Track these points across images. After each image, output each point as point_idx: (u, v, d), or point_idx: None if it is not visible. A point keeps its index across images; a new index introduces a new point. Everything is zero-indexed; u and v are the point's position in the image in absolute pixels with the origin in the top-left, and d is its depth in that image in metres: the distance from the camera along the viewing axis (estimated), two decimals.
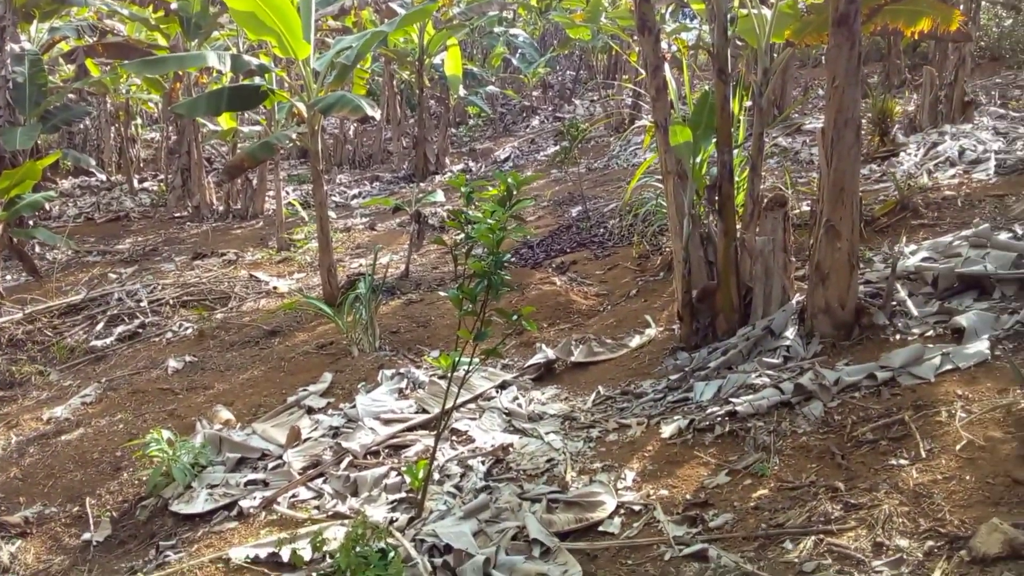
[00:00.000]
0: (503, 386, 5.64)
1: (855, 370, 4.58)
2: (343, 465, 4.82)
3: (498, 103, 20.66)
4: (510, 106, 21.49)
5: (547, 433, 4.83)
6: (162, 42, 14.64)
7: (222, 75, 16.37)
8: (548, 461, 4.49)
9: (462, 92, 15.98)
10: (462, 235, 3.96)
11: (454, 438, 5.01)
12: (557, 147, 15.80)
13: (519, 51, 20.37)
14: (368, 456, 4.93)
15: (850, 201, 5.07)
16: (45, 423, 6.30)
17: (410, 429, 5.22)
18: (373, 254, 8.09)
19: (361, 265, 9.88)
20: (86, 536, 4.73)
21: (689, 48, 14.04)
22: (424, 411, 5.43)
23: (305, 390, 6.13)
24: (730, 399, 4.56)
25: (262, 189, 13.96)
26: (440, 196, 9.14)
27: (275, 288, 9.22)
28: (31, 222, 12.14)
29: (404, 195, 13.60)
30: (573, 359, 5.98)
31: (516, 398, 5.41)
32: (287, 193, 13.97)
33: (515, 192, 3.93)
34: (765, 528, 3.49)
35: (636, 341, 6.15)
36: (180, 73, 14.49)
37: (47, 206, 13.79)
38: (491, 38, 20.34)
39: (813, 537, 3.34)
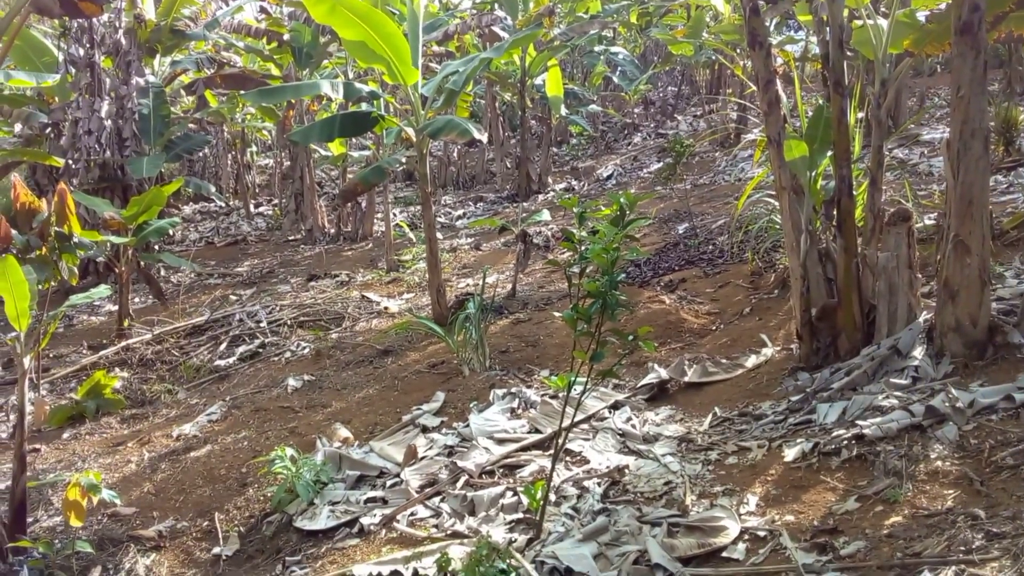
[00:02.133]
0: (616, 406, 5.60)
1: (991, 391, 4.36)
2: (459, 484, 4.87)
3: (599, 121, 20.64)
4: (611, 124, 21.45)
5: (663, 455, 4.77)
6: (275, 72, 15.31)
7: (331, 103, 16.99)
8: (666, 484, 4.42)
9: (564, 112, 16.06)
10: (569, 254, 3.97)
11: (568, 459, 4.99)
12: (660, 164, 15.67)
13: (619, 69, 20.33)
14: (483, 475, 4.97)
15: (980, 215, 4.85)
16: (175, 440, 6.60)
17: (524, 449, 5.24)
18: (481, 274, 8.18)
19: (468, 285, 10.02)
20: (216, 550, 4.92)
21: (796, 61, 13.71)
22: (537, 431, 5.44)
23: (419, 409, 6.24)
24: (856, 422, 4.40)
25: (371, 212, 14.35)
26: (546, 215, 9.19)
27: (386, 308, 9.44)
28: (157, 247, 12.85)
29: (508, 215, 13.74)
30: (687, 379, 5.89)
31: (630, 419, 5.36)
32: (395, 215, 14.31)
33: (628, 211, 3.92)
34: (901, 557, 3.33)
35: (752, 361, 6.01)
36: (293, 101, 15.09)
37: (171, 231, 14.54)
38: (591, 57, 20.37)
39: (953, 567, 3.17)
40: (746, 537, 3.73)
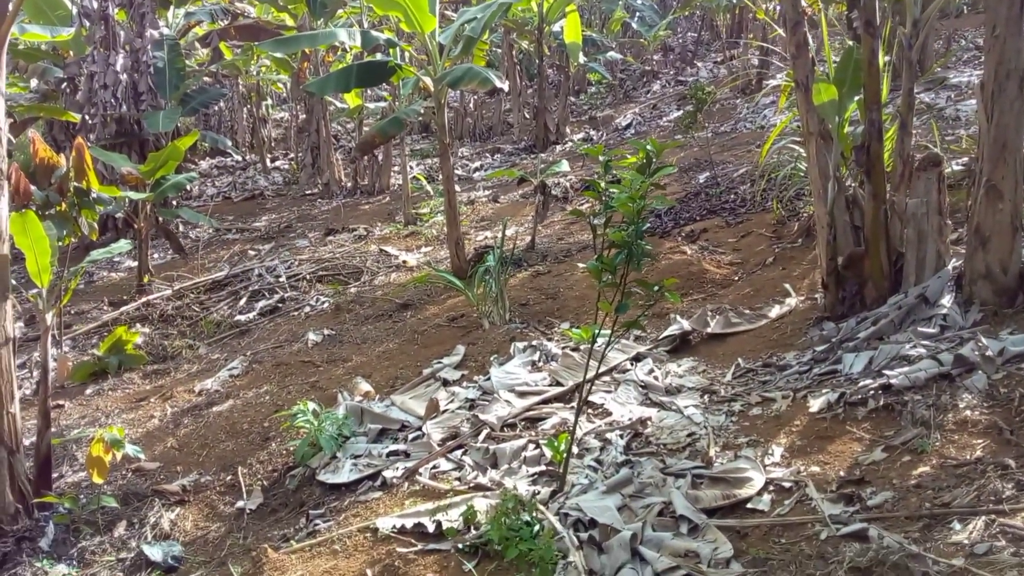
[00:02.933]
0: (638, 358, 5.55)
1: (1021, 339, 4.27)
2: (481, 437, 4.86)
3: (617, 69, 20.27)
4: (630, 72, 21.07)
5: (686, 407, 4.73)
6: (289, 22, 15.11)
7: (345, 54, 16.77)
8: (689, 436, 4.39)
9: (582, 59, 15.77)
10: (590, 204, 3.89)
11: (590, 411, 4.97)
12: (680, 112, 15.39)
13: (638, 14, 19.89)
14: (505, 428, 4.95)
15: (1013, 159, 4.71)
16: (197, 395, 6.64)
17: (545, 402, 5.22)
18: (500, 226, 8.10)
19: (487, 237, 9.95)
20: (240, 504, 4.96)
21: (821, 2, 13.33)
22: (558, 383, 5.41)
23: (439, 362, 6.22)
24: (883, 371, 4.32)
25: (388, 165, 14.24)
26: (564, 166, 9.05)
27: (405, 262, 9.41)
28: (175, 202, 12.83)
29: (526, 166, 13.58)
30: (709, 330, 5.81)
31: (652, 371, 5.32)
32: (412, 168, 14.19)
33: (654, 159, 3.81)
34: (929, 507, 3.29)
35: (776, 311, 5.92)
36: (308, 53, 14.90)
37: (189, 186, 14.52)
38: (609, 2, 19.94)
39: (983, 517, 3.14)
40: (771, 488, 3.70)
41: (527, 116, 17.24)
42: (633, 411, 4.79)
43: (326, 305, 8.32)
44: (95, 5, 12.01)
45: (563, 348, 5.89)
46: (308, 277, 9.14)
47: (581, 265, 4.42)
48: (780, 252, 7.11)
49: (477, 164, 15.26)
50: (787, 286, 6.27)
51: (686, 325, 5.88)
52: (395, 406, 5.57)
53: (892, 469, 3.61)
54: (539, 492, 4.02)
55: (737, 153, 11.16)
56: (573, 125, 16.59)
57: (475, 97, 18.29)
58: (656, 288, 3.71)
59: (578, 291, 7.28)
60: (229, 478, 5.31)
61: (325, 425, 5.14)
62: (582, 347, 5.78)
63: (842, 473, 3.68)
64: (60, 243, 8.20)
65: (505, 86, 7.71)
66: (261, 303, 8.65)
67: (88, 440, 5.39)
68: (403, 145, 12.11)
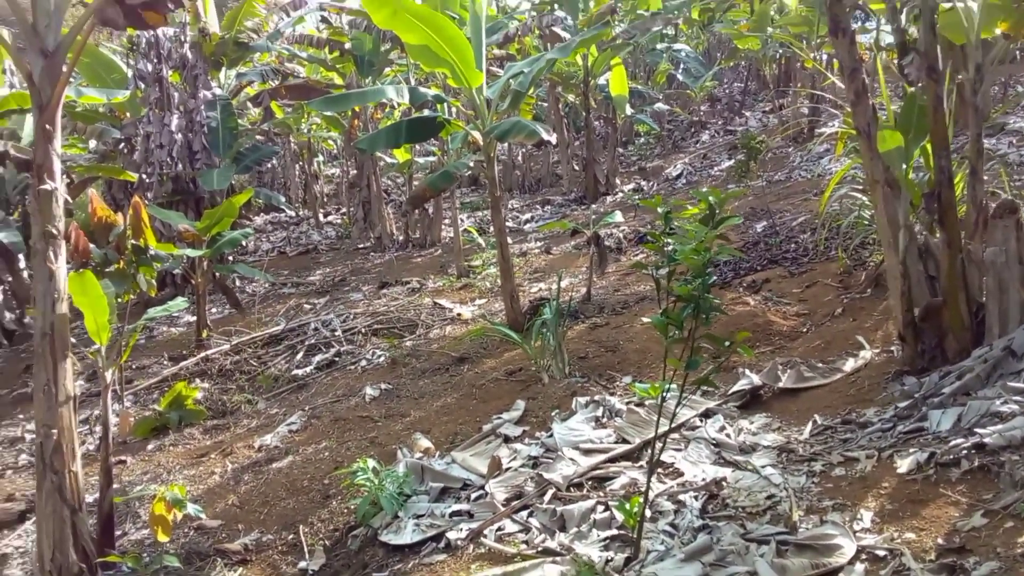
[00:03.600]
0: (707, 414, 5.37)
1: None
2: (547, 497, 4.71)
3: (664, 120, 20.28)
4: (677, 122, 21.07)
5: (763, 466, 4.53)
6: (338, 81, 15.41)
7: (394, 110, 17.04)
8: (768, 498, 4.19)
9: (629, 111, 15.81)
10: (644, 255, 3.79)
11: (660, 471, 4.79)
12: (732, 161, 15.28)
13: (683, 66, 19.94)
14: (571, 488, 4.80)
15: None
16: (256, 450, 6.60)
17: (611, 460, 5.05)
18: (554, 278, 8.01)
19: (540, 289, 9.87)
20: (302, 565, 4.86)
21: (868, 50, 13.22)
22: (624, 441, 5.25)
23: (499, 418, 6.10)
24: (975, 429, 4.10)
25: (438, 218, 14.32)
26: (618, 217, 8.97)
27: (459, 315, 9.35)
28: (231, 258, 13.01)
29: (578, 217, 13.54)
30: (781, 385, 5.61)
31: (723, 427, 5.13)
32: (462, 220, 14.24)
33: (717, 210, 3.70)
34: None
35: (850, 365, 5.71)
36: (357, 110, 15.17)
37: (244, 242, 14.73)
38: (654, 55, 20.02)
39: None
40: (863, 557, 3.48)
41: (576, 168, 17.26)
42: (706, 471, 4.61)
43: (382, 359, 8.28)
44: (149, 67, 12.36)
45: (627, 403, 5.74)
46: (363, 331, 9.13)
47: (646, 319, 4.31)
48: (849, 303, 6.90)
49: (528, 216, 15.28)
50: (860, 338, 6.05)
51: (756, 380, 5.69)
52: (456, 463, 5.45)
53: (995, 536, 3.38)
54: (612, 559, 3.85)
55: (794, 202, 10.98)
56: (622, 176, 16.57)
57: (523, 150, 18.41)
58: (727, 344, 3.57)
59: (638, 343, 7.14)
60: (291, 537, 5.23)
61: (386, 483, 5.04)
62: (647, 402, 5.62)
63: (940, 541, 3.45)
64: (119, 300, 8.34)
65: (553, 138, 7.68)
66: (318, 357, 8.64)
67: (151, 497, 5.37)
68: (454, 198, 12.17)
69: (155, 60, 12.41)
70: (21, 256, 11.86)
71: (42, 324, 4.77)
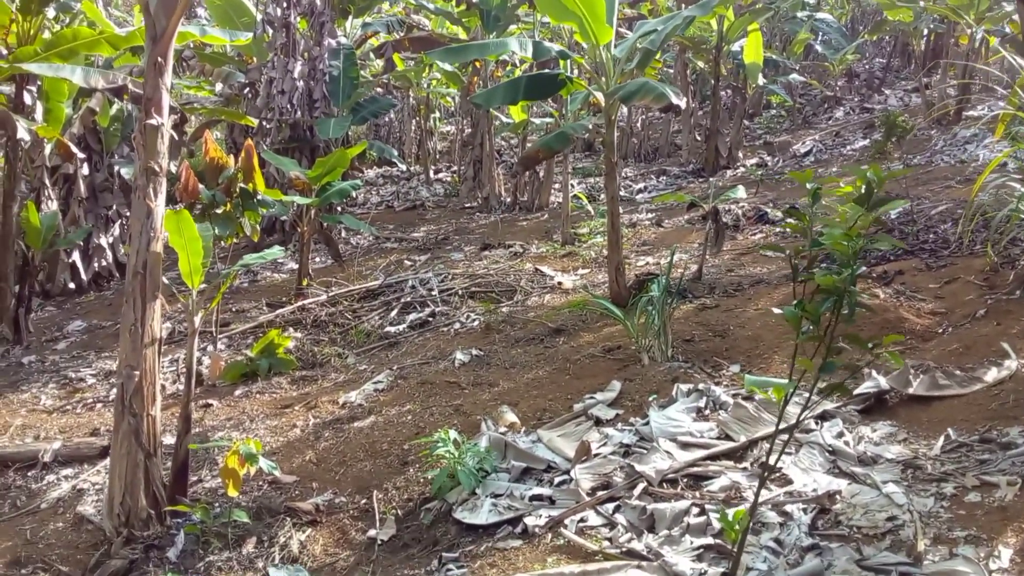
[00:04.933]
0: (824, 417, 4.82)
1: None
2: (637, 491, 4.31)
3: (796, 92, 19.13)
4: (810, 97, 19.87)
5: (884, 482, 3.98)
6: (462, 35, 15.11)
7: (514, 70, 16.64)
8: (889, 520, 3.66)
9: (761, 81, 14.91)
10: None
11: (766, 473, 4.31)
12: (867, 141, 14.22)
13: (823, 36, 18.68)
14: (664, 484, 4.38)
15: None
16: (340, 407, 6.43)
17: (712, 457, 4.60)
18: (664, 252, 7.50)
19: (647, 263, 9.36)
20: (371, 533, 4.63)
21: None
22: (727, 437, 4.77)
23: (592, 398, 5.71)
24: None
25: (548, 182, 13.90)
26: (741, 192, 8.34)
27: (560, 283, 8.96)
28: (339, 208, 12.97)
29: (694, 190, 12.88)
30: (911, 391, 4.98)
31: (841, 433, 4.58)
32: (572, 186, 13.78)
33: (876, 189, 3.15)
34: None
35: (992, 375, 5.01)
36: (478, 67, 14.85)
37: (353, 194, 14.71)
38: (793, 23, 18.81)
39: None
40: None
41: (697, 138, 16.47)
42: (818, 481, 4.10)
43: (476, 323, 7.99)
44: (278, 12, 12.35)
45: (734, 396, 5.24)
46: (460, 292, 8.86)
47: (777, 310, 3.80)
48: (993, 304, 6.13)
49: (641, 185, 14.66)
50: (1005, 345, 5.33)
51: (883, 383, 5.07)
52: (542, 443, 5.11)
53: None
54: (706, 572, 3.42)
55: (934, 188, 10.04)
56: (746, 150, 15.70)
57: (643, 116, 17.71)
58: (871, 346, 3.05)
59: (750, 330, 6.58)
60: (363, 502, 5.01)
61: (466, 457, 4.74)
62: (757, 396, 5.11)
63: None
64: (223, 243, 8.35)
65: (682, 103, 7.11)
66: (412, 316, 8.43)
67: (224, 444, 5.26)
68: (566, 162, 11.69)
69: (284, 5, 12.39)
70: None
71: (135, 262, 4.66)
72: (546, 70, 10.06)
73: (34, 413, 6.96)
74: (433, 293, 8.87)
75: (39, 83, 9.76)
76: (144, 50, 4.96)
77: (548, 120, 14.17)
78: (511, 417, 5.57)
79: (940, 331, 6.04)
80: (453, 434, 4.86)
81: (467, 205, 14.71)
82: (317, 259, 11.55)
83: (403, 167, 18.39)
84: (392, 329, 8.20)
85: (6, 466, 5.78)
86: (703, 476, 4.43)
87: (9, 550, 4.79)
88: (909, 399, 4.97)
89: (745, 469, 4.46)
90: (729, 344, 6.45)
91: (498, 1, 13.37)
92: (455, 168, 18.02)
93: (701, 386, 5.44)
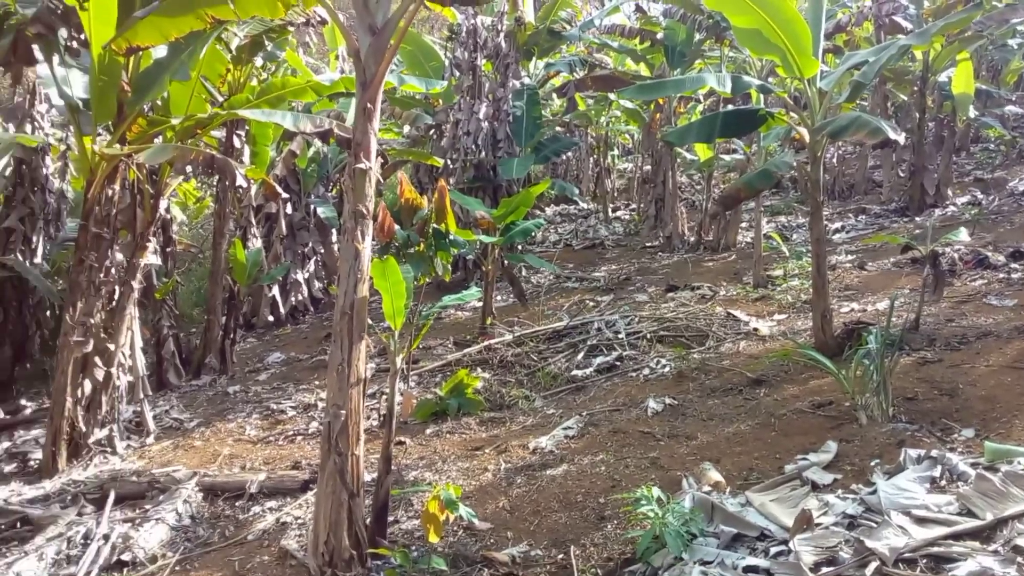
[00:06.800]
0: None
1: None
2: (869, 571, 3.84)
3: (1009, 125, 17.55)
4: None
5: None
6: (644, 72, 14.94)
7: (697, 105, 16.26)
8: None
9: (972, 113, 13.75)
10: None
11: (1020, 559, 3.74)
12: None
13: None
14: (900, 564, 3.89)
15: None
16: (531, 452, 6.28)
17: (954, 536, 4.05)
18: (890, 301, 6.87)
19: (852, 310, 8.70)
20: None
21: None
22: (970, 513, 4.21)
23: (804, 459, 5.25)
24: None
25: (736, 220, 13.38)
26: (964, 234, 7.57)
27: (755, 330, 8.47)
28: (520, 247, 13.04)
29: (898, 230, 11.97)
30: None
31: None
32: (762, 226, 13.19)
33: None
34: None
35: None
36: (661, 104, 14.62)
37: (535, 233, 14.78)
38: (1004, 51, 17.37)
39: None
40: None
41: (900, 174, 15.39)
42: None
43: (667, 369, 7.66)
44: (465, 56, 12.68)
45: (972, 465, 4.64)
46: (648, 336, 8.56)
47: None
48: None
49: (838, 224, 13.80)
50: None
51: None
52: (752, 507, 4.71)
53: None
54: None
55: None
56: (955, 187, 14.49)
57: (838, 152, 16.78)
58: None
59: (983, 389, 5.89)
60: (560, 557, 4.80)
61: (670, 518, 4.43)
62: (1002, 468, 4.49)
63: None
64: (416, 282, 8.50)
65: (901, 138, 6.58)
66: (599, 359, 8.21)
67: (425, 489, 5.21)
68: (759, 201, 11.18)
69: (471, 48, 12.73)
70: (334, 231, 12.73)
71: (343, 303, 4.74)
72: (741, 106, 9.68)
73: (240, 443, 7.28)
74: (620, 336, 8.63)
75: (247, 128, 10.45)
76: (355, 96, 5.11)
77: (738, 157, 13.67)
78: (715, 475, 5.21)
79: None
80: (656, 492, 4.57)
81: (648, 244, 14.41)
82: (499, 297, 11.60)
83: (583, 205, 18.37)
84: (579, 372, 8.01)
85: (216, 495, 6.03)
86: (946, 558, 3.89)
87: None
88: None
89: (996, 552, 3.89)
90: (959, 405, 5.79)
91: (683, 37, 13.14)
92: (634, 206, 17.78)
93: (934, 453, 4.85)
